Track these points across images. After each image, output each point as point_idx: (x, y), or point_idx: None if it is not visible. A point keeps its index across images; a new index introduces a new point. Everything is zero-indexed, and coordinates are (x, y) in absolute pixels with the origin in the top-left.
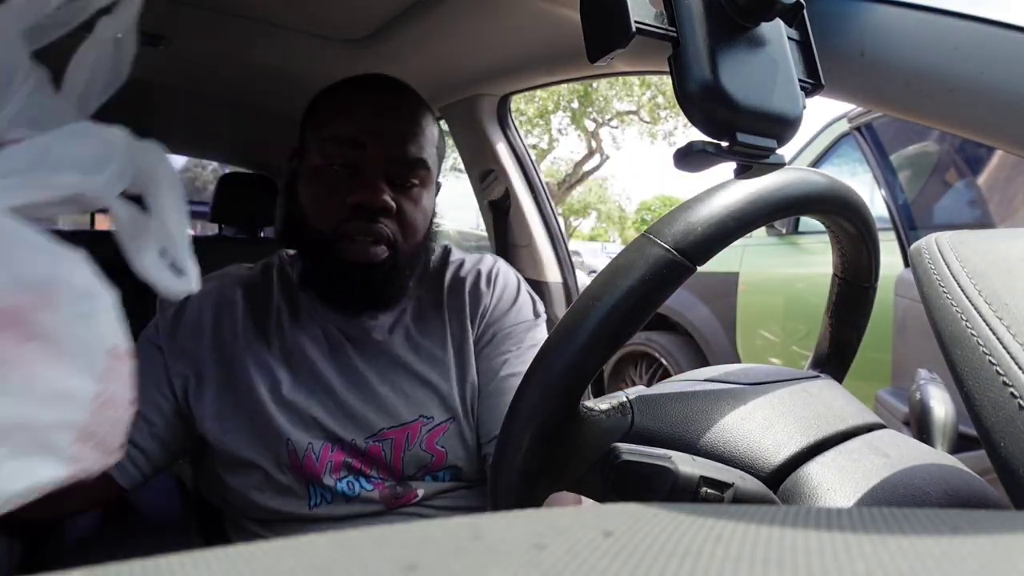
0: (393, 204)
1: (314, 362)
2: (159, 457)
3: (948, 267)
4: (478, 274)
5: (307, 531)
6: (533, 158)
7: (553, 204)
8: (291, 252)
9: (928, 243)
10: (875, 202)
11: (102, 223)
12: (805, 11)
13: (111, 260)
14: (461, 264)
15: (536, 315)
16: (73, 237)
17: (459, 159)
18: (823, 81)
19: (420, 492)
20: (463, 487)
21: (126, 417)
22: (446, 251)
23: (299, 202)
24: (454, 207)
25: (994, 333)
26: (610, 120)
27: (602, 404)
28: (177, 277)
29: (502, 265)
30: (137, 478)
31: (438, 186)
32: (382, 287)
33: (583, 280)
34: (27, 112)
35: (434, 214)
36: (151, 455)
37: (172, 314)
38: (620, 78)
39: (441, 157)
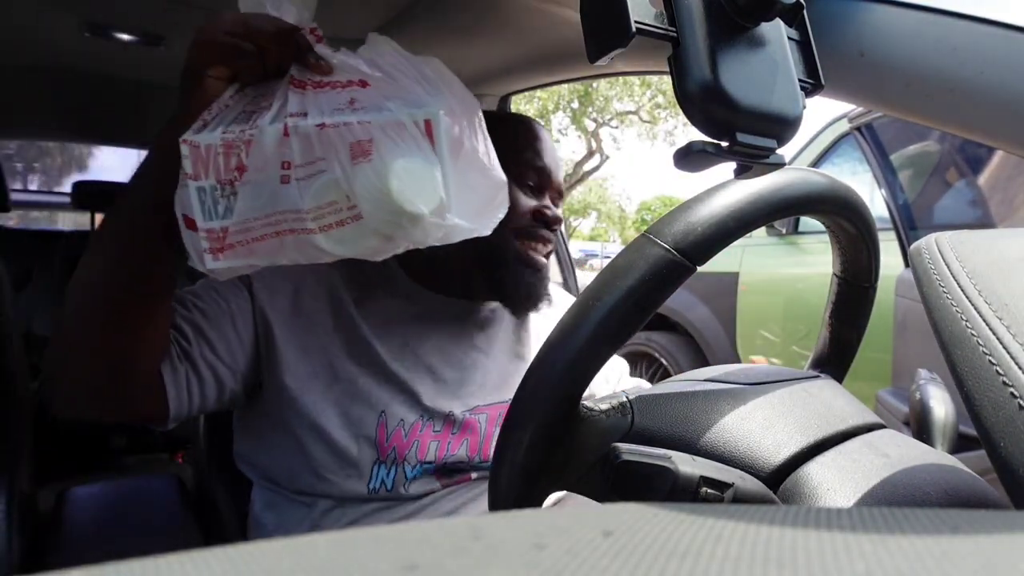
0: (561, 219)
1: (410, 338)
2: (210, 396)
3: (948, 267)
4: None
5: (356, 512)
6: None
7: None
8: None
9: (928, 243)
10: (875, 202)
11: None
12: (805, 11)
13: None
14: None
15: None
16: (73, 237)
17: None
18: (823, 81)
19: (473, 475)
20: None
21: None
22: None
23: None
24: None
25: (994, 333)
26: (610, 120)
27: (602, 404)
28: None
29: None
30: (183, 409)
31: None
32: (544, 287)
33: (583, 280)
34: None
35: None
36: (205, 390)
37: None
38: (620, 78)
39: None
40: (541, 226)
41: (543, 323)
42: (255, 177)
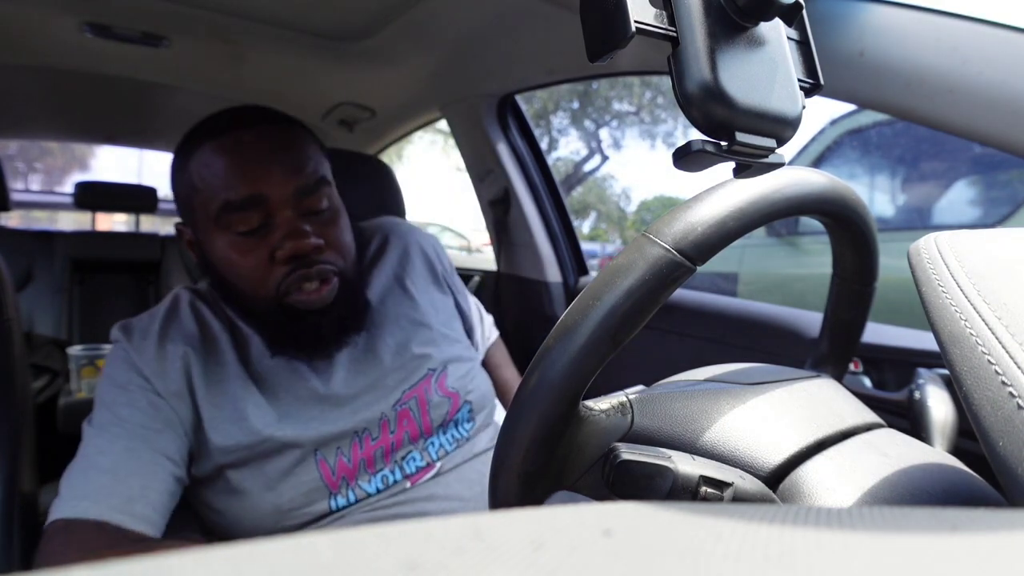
0: (321, 240)
1: (301, 375)
2: (170, 501)
3: (947, 267)
4: (396, 231)
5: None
6: (532, 158)
7: (562, 201)
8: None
9: (927, 243)
10: (875, 202)
11: (102, 223)
12: (805, 11)
13: (111, 260)
14: (375, 230)
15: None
16: (74, 237)
17: (460, 158)
18: (822, 81)
19: (438, 465)
20: (481, 453)
21: None
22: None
23: (226, 279)
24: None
25: (993, 333)
26: (610, 120)
27: (602, 404)
28: None
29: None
30: (159, 525)
31: None
32: (351, 318)
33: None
34: None
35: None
36: (168, 497)
37: (151, 351)
38: (620, 78)
39: (326, 161)
40: (301, 267)
41: (406, 302)
42: None
